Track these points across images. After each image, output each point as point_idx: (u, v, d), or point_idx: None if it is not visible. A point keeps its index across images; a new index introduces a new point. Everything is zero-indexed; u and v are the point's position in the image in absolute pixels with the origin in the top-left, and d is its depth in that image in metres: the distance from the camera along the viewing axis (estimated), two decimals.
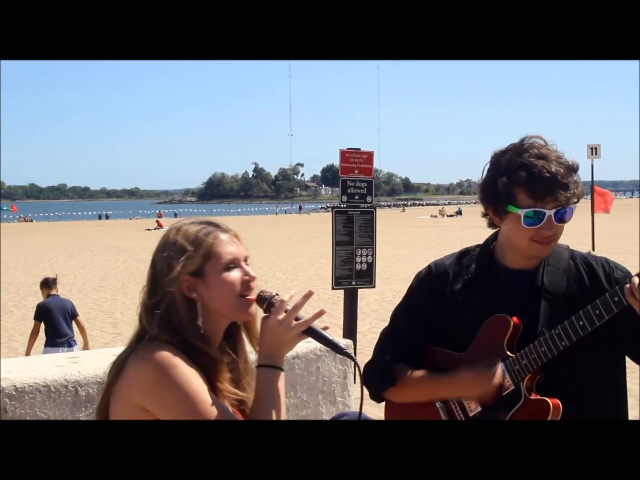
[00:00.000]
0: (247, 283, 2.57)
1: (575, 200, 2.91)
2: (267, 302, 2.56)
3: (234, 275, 2.55)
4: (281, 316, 2.50)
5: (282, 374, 2.54)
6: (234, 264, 2.55)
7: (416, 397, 3.13)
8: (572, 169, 2.90)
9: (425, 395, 3.10)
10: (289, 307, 2.52)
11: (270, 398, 2.49)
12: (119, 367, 2.51)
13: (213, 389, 2.48)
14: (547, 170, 2.83)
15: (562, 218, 2.89)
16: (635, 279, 2.68)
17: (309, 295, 2.53)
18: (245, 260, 2.61)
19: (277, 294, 2.57)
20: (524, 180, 2.86)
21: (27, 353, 10.81)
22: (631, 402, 3.10)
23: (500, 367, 2.93)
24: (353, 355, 2.58)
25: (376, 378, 3.17)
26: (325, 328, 2.56)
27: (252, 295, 2.58)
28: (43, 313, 10.77)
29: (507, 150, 2.95)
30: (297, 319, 2.50)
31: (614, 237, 38.60)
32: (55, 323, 10.62)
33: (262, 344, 2.54)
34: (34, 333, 10.91)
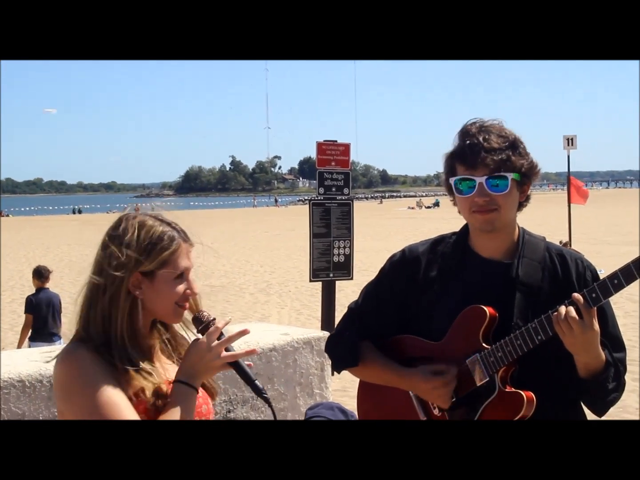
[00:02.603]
0: (187, 295, 2.62)
1: (512, 169, 2.89)
2: (202, 325, 2.61)
3: (180, 286, 2.59)
4: (213, 343, 2.54)
5: (195, 394, 2.55)
6: (183, 275, 2.61)
7: (375, 381, 3.18)
8: (513, 142, 2.92)
9: (384, 383, 3.13)
10: (224, 335, 2.56)
11: (181, 414, 2.49)
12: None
13: (130, 387, 2.48)
14: (479, 139, 2.88)
15: (496, 185, 2.88)
16: (562, 309, 2.72)
17: (244, 333, 2.59)
18: (191, 270, 2.66)
19: (214, 319, 2.61)
20: (457, 151, 2.95)
21: (19, 347, 10.73)
22: (632, 401, 3.12)
23: (454, 375, 2.95)
24: (269, 400, 2.59)
25: (339, 353, 3.23)
26: (249, 365, 2.61)
27: (186, 306, 2.63)
28: (32, 307, 10.68)
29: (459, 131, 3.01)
30: (227, 350, 2.55)
31: (590, 227, 38.81)
32: (42, 318, 10.52)
33: (186, 362, 2.57)
34: (26, 327, 10.81)
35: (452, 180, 2.97)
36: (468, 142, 2.90)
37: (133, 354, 2.51)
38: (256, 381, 2.57)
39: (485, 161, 2.86)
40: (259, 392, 2.56)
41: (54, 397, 2.58)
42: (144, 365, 2.53)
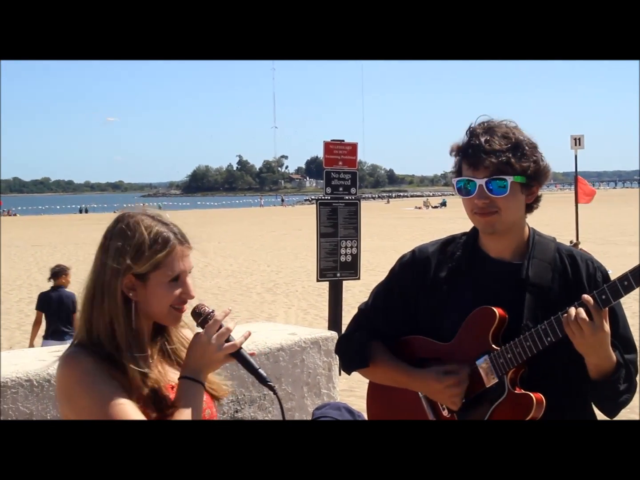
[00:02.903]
0: (183, 298, 2.58)
1: (513, 172, 2.86)
2: (202, 318, 2.59)
3: (174, 289, 2.55)
4: (213, 335, 2.52)
5: (203, 389, 2.55)
6: (178, 278, 2.56)
7: (385, 382, 3.17)
8: (516, 144, 2.88)
9: (394, 384, 3.12)
10: (223, 327, 2.55)
11: (189, 412, 2.49)
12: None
13: (133, 389, 2.48)
14: (480, 139, 2.86)
15: (495, 188, 2.86)
16: (572, 310, 2.70)
17: (247, 335, 2.61)
18: (188, 272, 2.62)
19: (213, 311, 2.59)
20: (462, 152, 2.93)
21: (30, 344, 10.76)
22: (634, 401, 3.10)
23: (466, 374, 2.94)
24: (274, 387, 2.58)
25: (350, 354, 3.21)
26: (252, 354, 2.61)
27: (184, 308, 2.60)
28: (42, 304, 10.70)
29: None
30: (227, 341, 2.53)
31: (597, 228, 38.73)
32: (52, 316, 10.52)
33: (190, 358, 2.56)
34: (36, 323, 10.84)
35: (454, 180, 2.96)
36: (471, 142, 2.90)
37: (132, 356, 2.48)
38: (260, 370, 2.55)
39: (485, 163, 2.85)
40: (263, 380, 2.54)
41: (55, 400, 2.57)
42: (144, 368, 2.50)
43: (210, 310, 2.59)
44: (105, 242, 2.56)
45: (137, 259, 2.50)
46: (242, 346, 2.57)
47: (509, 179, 2.85)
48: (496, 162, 2.84)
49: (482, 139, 2.86)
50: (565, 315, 2.72)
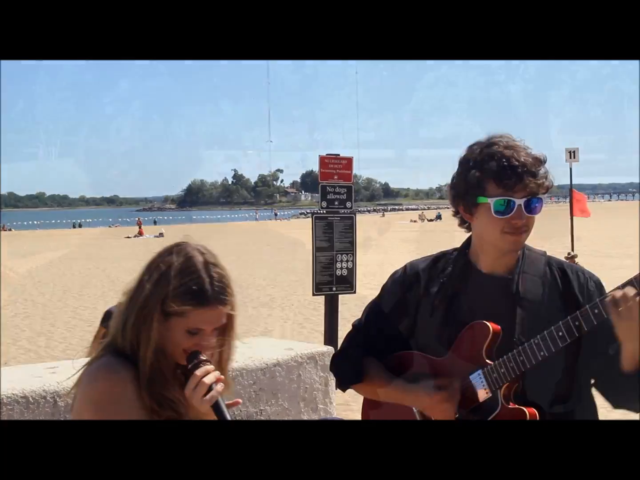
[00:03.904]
0: (196, 348, 2.60)
1: (544, 191, 2.93)
2: (190, 365, 2.60)
3: (191, 338, 2.58)
4: (193, 391, 2.53)
5: None
6: (197, 331, 2.58)
7: (379, 398, 3.17)
8: (540, 160, 2.92)
9: (388, 399, 3.12)
10: (199, 383, 2.54)
11: None
12: (79, 377, 2.60)
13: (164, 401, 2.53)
14: (516, 159, 2.86)
15: (532, 208, 2.89)
16: (618, 292, 2.64)
17: (234, 404, 2.65)
18: (216, 328, 2.64)
19: (200, 360, 2.58)
20: (493, 170, 2.89)
21: None
22: None
23: (457, 388, 2.94)
24: None
25: (344, 370, 3.24)
26: (235, 403, 2.65)
27: None
28: (104, 319, 10.81)
29: (474, 145, 2.98)
30: (210, 389, 2.53)
31: (593, 240, 38.77)
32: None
33: None
34: (96, 338, 10.95)
35: (491, 200, 2.88)
36: (504, 162, 2.86)
37: (159, 382, 2.54)
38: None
39: (529, 185, 2.86)
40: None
41: (75, 408, 2.56)
42: (169, 394, 2.56)
43: (201, 359, 2.59)
44: (152, 265, 2.60)
45: (169, 299, 2.53)
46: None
47: (544, 197, 2.91)
48: (535, 181, 2.88)
49: (521, 159, 2.86)
50: (609, 298, 2.64)
